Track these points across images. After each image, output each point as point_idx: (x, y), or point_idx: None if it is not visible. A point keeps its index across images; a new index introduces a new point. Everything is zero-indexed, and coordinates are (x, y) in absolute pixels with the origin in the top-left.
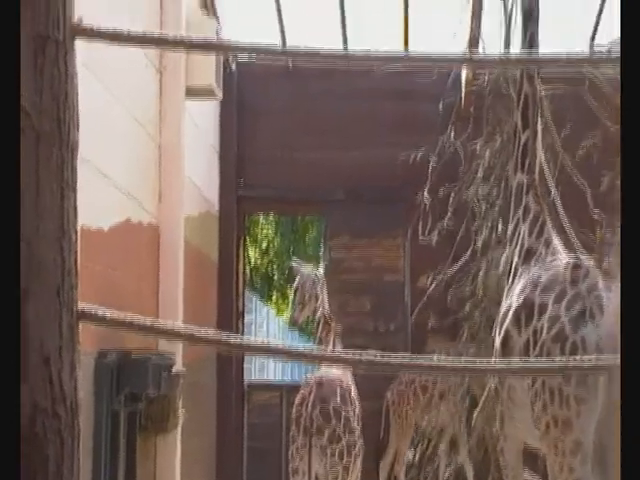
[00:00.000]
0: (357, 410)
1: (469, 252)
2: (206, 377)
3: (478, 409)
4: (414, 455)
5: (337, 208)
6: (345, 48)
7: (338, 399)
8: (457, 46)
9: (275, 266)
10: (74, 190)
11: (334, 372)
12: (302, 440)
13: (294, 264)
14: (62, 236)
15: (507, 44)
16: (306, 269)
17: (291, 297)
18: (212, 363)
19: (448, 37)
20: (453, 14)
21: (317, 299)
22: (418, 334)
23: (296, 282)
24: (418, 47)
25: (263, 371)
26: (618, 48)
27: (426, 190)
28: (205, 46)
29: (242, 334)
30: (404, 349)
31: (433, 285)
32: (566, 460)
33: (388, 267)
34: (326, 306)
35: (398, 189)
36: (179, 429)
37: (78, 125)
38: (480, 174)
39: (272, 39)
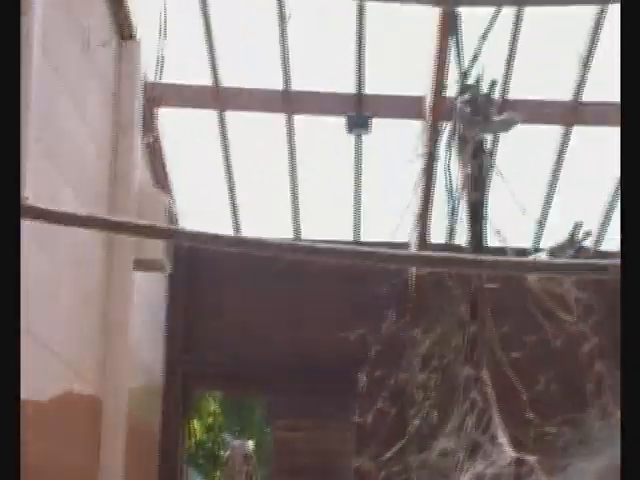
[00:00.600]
0: None
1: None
2: None
3: None
4: None
5: (282, 388)
6: (297, 236)
7: None
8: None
9: (220, 443)
10: None
11: None
12: None
13: (226, 437)
14: None
15: (451, 238)
16: (237, 442)
17: (220, 471)
18: None
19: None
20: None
21: (247, 474)
22: None
23: (227, 454)
24: (368, 233)
25: None
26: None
27: (364, 372)
28: (152, 231)
29: None
30: None
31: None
32: None
33: (335, 450)
34: None
35: (346, 371)
36: None
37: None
38: (417, 362)
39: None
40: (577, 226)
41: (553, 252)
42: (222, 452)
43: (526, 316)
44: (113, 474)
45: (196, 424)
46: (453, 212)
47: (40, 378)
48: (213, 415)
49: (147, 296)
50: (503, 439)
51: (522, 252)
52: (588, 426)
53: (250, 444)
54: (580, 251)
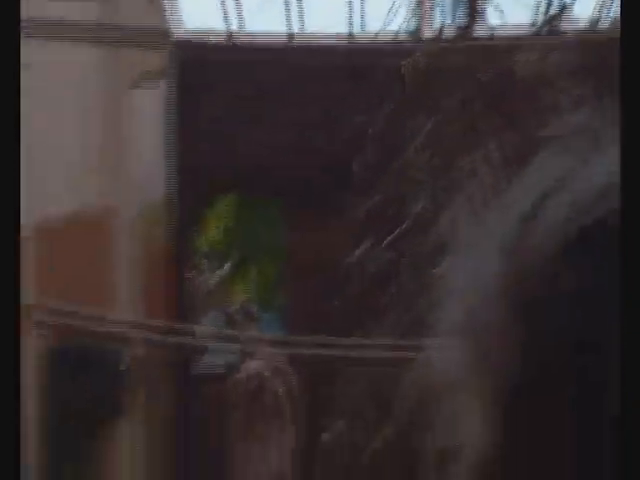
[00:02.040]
0: None
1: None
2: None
3: None
4: None
5: (295, 188)
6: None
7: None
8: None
9: (232, 246)
10: None
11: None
12: None
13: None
14: None
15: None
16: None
17: None
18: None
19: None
20: None
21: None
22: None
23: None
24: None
25: None
26: None
27: (357, 160)
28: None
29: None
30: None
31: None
32: None
33: (343, 248)
34: None
35: (350, 168)
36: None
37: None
38: (414, 148)
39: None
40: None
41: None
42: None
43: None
44: (128, 290)
45: (210, 230)
46: None
47: (56, 196)
48: (225, 220)
49: (154, 107)
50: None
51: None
52: None
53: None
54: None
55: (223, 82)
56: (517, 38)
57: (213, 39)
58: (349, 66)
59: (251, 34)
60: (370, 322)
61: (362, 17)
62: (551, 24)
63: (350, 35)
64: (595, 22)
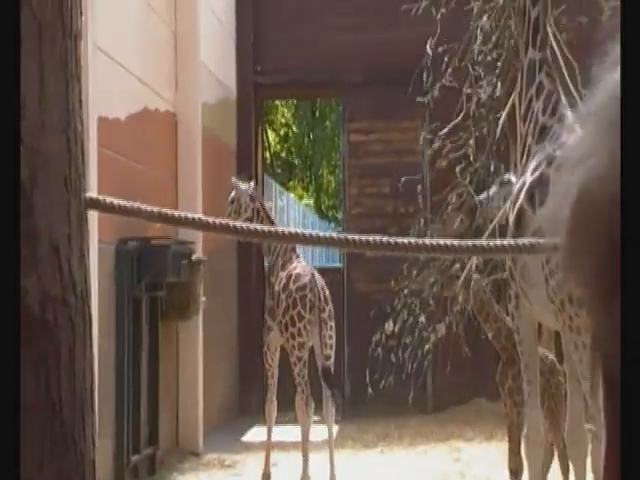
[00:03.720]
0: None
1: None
2: (227, 264)
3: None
4: (394, 325)
5: (355, 91)
6: None
7: (325, 288)
8: None
9: (295, 152)
10: (79, 80)
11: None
12: (310, 317)
13: (233, 180)
14: (67, 127)
15: None
16: (243, 185)
17: (226, 209)
18: (233, 250)
19: None
20: None
21: (252, 211)
22: (438, 215)
23: (231, 195)
24: None
25: None
26: None
27: (428, 44)
28: None
29: None
30: (423, 231)
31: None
32: (581, 337)
33: (407, 150)
34: (270, 215)
35: (416, 71)
36: (201, 315)
37: (82, 12)
38: (477, 37)
39: None
40: None
41: None
42: (297, 162)
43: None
44: (191, 187)
45: (270, 135)
46: None
47: (115, 96)
48: (287, 126)
49: (216, 11)
50: (572, 116)
51: None
52: None
53: (253, 185)
54: None
55: None
56: None
57: None
58: None
59: None
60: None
61: None
62: None
63: None
64: None
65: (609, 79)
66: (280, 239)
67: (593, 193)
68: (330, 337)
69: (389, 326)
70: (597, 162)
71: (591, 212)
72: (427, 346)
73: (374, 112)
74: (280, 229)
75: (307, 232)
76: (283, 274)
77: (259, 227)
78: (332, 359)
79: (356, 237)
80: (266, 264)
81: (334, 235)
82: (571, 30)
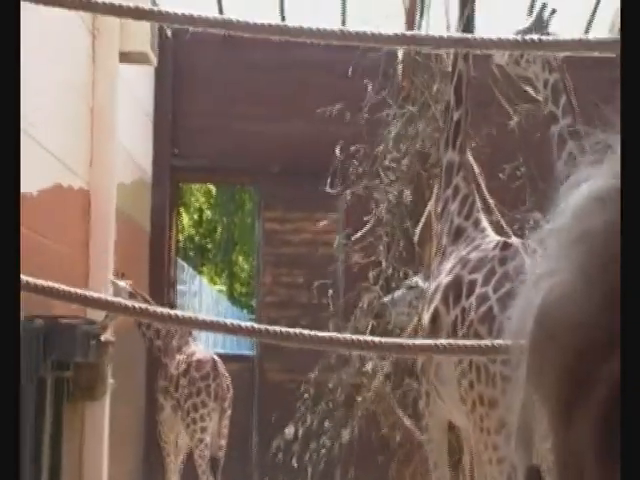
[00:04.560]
0: None
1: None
2: (136, 345)
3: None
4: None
5: (271, 180)
6: (283, 18)
7: (227, 375)
8: (393, 25)
9: (209, 236)
10: None
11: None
12: (213, 405)
13: (111, 279)
14: None
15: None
16: (121, 282)
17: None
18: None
19: (383, 16)
20: None
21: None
22: (349, 309)
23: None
24: (354, 24)
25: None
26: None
27: (338, 147)
28: (138, 14)
29: (174, 303)
30: (335, 323)
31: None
32: (491, 438)
33: (321, 241)
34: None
35: (334, 164)
36: (108, 397)
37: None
38: (390, 141)
39: (209, 5)
40: (544, 6)
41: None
42: (210, 246)
43: (499, 103)
44: (103, 267)
45: (185, 218)
46: None
47: (29, 171)
48: (201, 210)
49: (135, 91)
50: (486, 224)
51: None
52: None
53: (129, 283)
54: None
55: (207, 68)
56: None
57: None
58: (335, 59)
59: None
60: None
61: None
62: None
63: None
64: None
65: (571, 199)
66: (188, 324)
67: (553, 314)
68: (226, 426)
69: (290, 431)
70: (559, 281)
71: (550, 333)
72: (333, 447)
73: (290, 202)
74: (187, 314)
75: (216, 319)
76: (181, 357)
77: (172, 312)
78: (223, 450)
79: (264, 327)
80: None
81: (242, 324)
82: (480, 138)
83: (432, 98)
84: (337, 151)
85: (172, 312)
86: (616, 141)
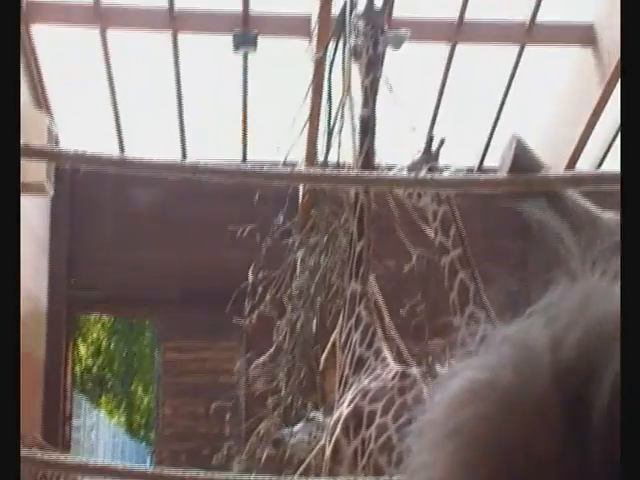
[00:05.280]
0: None
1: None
2: None
3: None
4: None
5: (171, 309)
6: (184, 154)
7: None
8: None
9: (107, 367)
10: None
11: None
12: None
13: None
14: None
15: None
16: None
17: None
18: None
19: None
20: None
21: None
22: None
23: None
24: (256, 152)
25: None
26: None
27: (250, 270)
28: (32, 152)
29: (69, 439)
30: (234, 452)
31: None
32: None
33: (223, 370)
34: None
35: (233, 291)
36: None
37: None
38: (295, 269)
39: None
40: (431, 139)
41: (412, 168)
42: (108, 378)
43: (395, 234)
44: None
45: (83, 348)
46: (331, 130)
47: None
48: (99, 340)
49: (30, 222)
50: (387, 353)
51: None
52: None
53: None
54: (434, 167)
55: (105, 198)
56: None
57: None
58: (239, 188)
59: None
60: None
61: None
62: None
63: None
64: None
65: (445, 391)
66: (76, 470)
67: None
68: None
69: None
70: (434, 474)
71: None
72: None
73: (189, 330)
74: (75, 460)
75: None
76: None
77: (60, 456)
78: None
79: (158, 470)
80: None
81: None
82: (383, 268)
83: (341, 228)
84: (238, 277)
85: (61, 457)
86: (493, 333)
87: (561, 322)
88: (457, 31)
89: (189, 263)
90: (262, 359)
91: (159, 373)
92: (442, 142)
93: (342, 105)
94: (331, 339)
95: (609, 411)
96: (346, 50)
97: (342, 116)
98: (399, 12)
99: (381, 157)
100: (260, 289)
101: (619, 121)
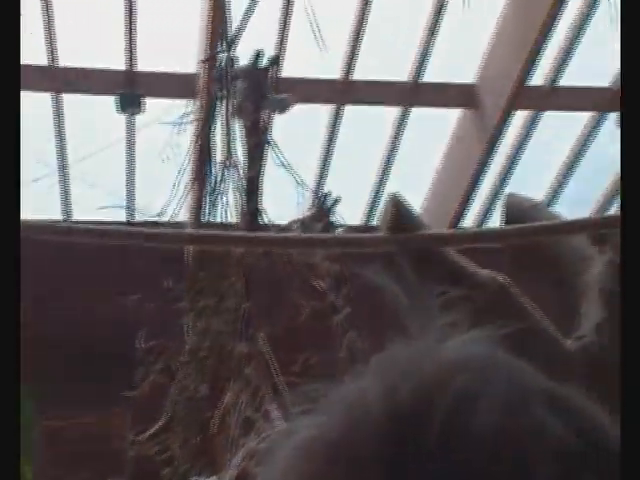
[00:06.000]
0: None
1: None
2: None
3: None
4: None
5: (53, 375)
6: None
7: None
8: None
9: None
10: None
11: None
12: None
13: None
14: None
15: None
16: None
17: None
18: None
19: None
20: None
21: None
22: None
23: None
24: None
25: None
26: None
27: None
28: None
29: None
30: None
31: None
32: None
33: (111, 434)
34: None
35: (123, 353)
36: None
37: None
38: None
39: None
40: (326, 196)
41: (304, 226)
42: None
43: (286, 291)
44: None
45: None
46: (215, 189)
47: None
48: None
49: None
50: (277, 414)
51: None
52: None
53: None
54: (329, 224)
55: None
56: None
57: None
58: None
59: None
60: None
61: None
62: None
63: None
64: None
65: (278, 450)
66: None
67: None
68: None
69: None
70: None
71: None
72: None
73: (74, 399)
74: None
75: None
76: None
77: None
78: None
79: None
80: None
81: None
82: (274, 328)
83: (228, 290)
84: (126, 343)
85: None
86: (330, 390)
87: (395, 374)
88: (342, 91)
89: (73, 323)
90: (153, 430)
91: (41, 442)
92: (336, 200)
93: (225, 166)
94: (222, 402)
95: (443, 443)
96: (228, 111)
97: (225, 177)
98: (288, 72)
99: (269, 216)
100: (152, 357)
101: (500, 180)
